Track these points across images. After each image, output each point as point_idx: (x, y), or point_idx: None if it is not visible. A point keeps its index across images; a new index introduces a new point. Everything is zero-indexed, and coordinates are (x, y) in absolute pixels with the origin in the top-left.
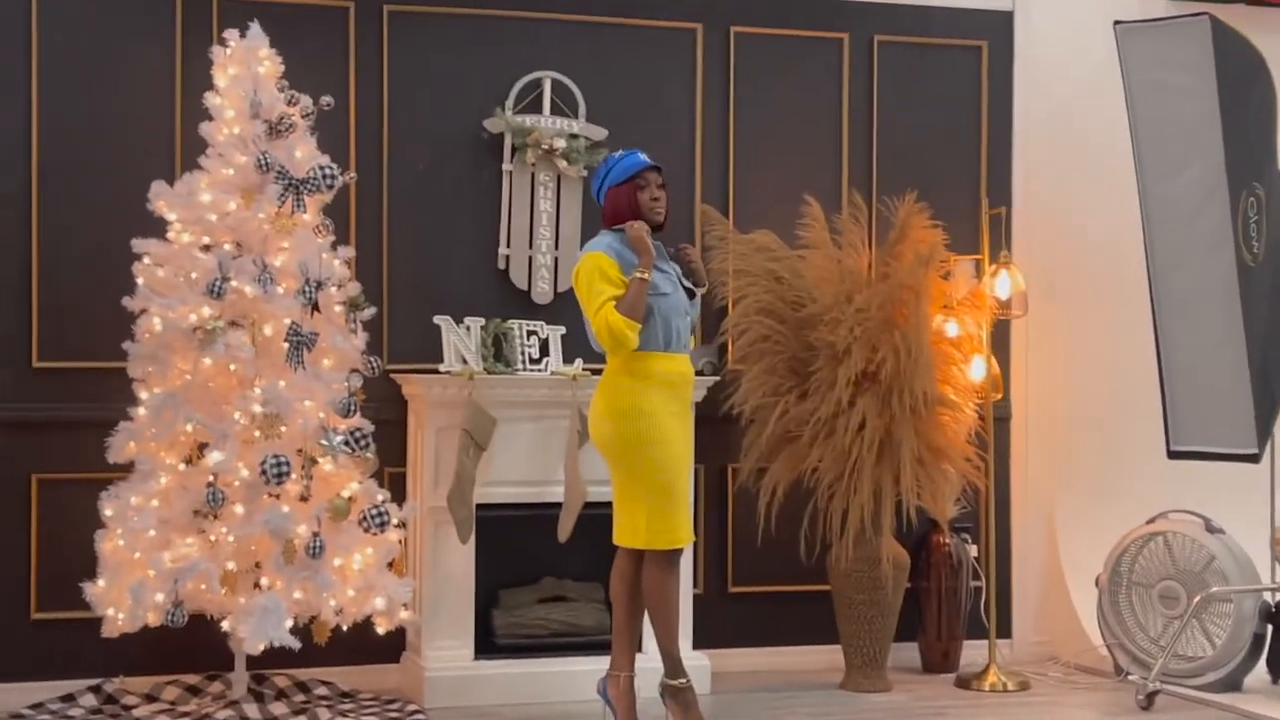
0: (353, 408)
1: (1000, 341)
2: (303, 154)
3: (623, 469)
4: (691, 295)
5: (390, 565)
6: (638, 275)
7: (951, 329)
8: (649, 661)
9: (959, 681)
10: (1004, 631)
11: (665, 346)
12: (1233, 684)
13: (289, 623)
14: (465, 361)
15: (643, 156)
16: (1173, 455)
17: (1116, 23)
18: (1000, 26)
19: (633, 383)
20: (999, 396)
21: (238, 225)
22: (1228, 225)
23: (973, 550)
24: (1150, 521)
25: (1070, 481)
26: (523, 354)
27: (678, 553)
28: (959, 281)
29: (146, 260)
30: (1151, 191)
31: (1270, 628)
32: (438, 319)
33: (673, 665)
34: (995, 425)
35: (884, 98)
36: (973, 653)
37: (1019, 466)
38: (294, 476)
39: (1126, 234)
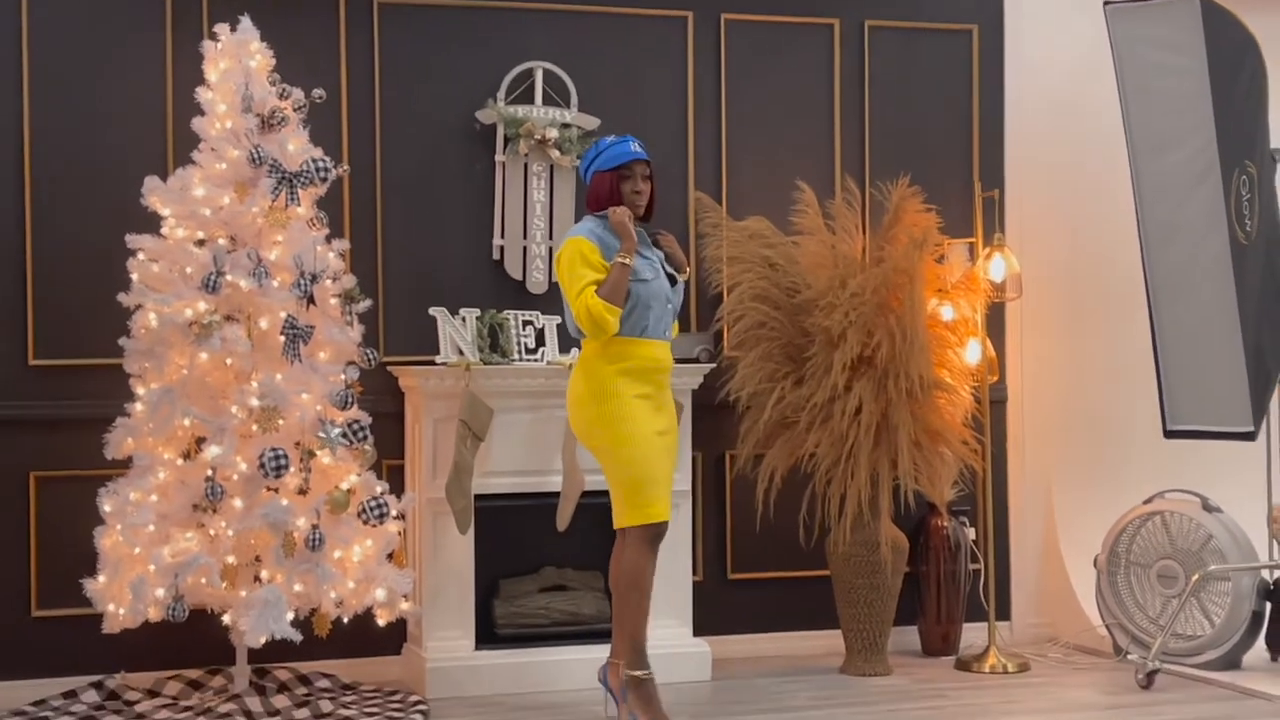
0: (350, 400)
1: (995, 324)
2: (295, 147)
3: (599, 451)
4: (673, 281)
5: (390, 557)
6: (619, 260)
7: (946, 312)
8: (658, 649)
9: (959, 664)
10: (1003, 614)
11: (643, 333)
12: (1232, 662)
13: (290, 615)
14: (461, 353)
15: (634, 147)
16: (1169, 435)
17: (1106, 3)
18: (991, 10)
19: (604, 366)
20: (995, 379)
21: (231, 219)
22: (1220, 204)
23: (971, 533)
24: (1147, 501)
25: (1067, 463)
26: (519, 344)
27: (656, 534)
28: (953, 265)
29: (141, 256)
30: (1143, 171)
31: (1268, 605)
32: (433, 310)
33: (637, 655)
34: (992, 408)
35: (876, 83)
36: (972, 635)
37: (1016, 449)
38: (292, 469)
39: (1120, 214)
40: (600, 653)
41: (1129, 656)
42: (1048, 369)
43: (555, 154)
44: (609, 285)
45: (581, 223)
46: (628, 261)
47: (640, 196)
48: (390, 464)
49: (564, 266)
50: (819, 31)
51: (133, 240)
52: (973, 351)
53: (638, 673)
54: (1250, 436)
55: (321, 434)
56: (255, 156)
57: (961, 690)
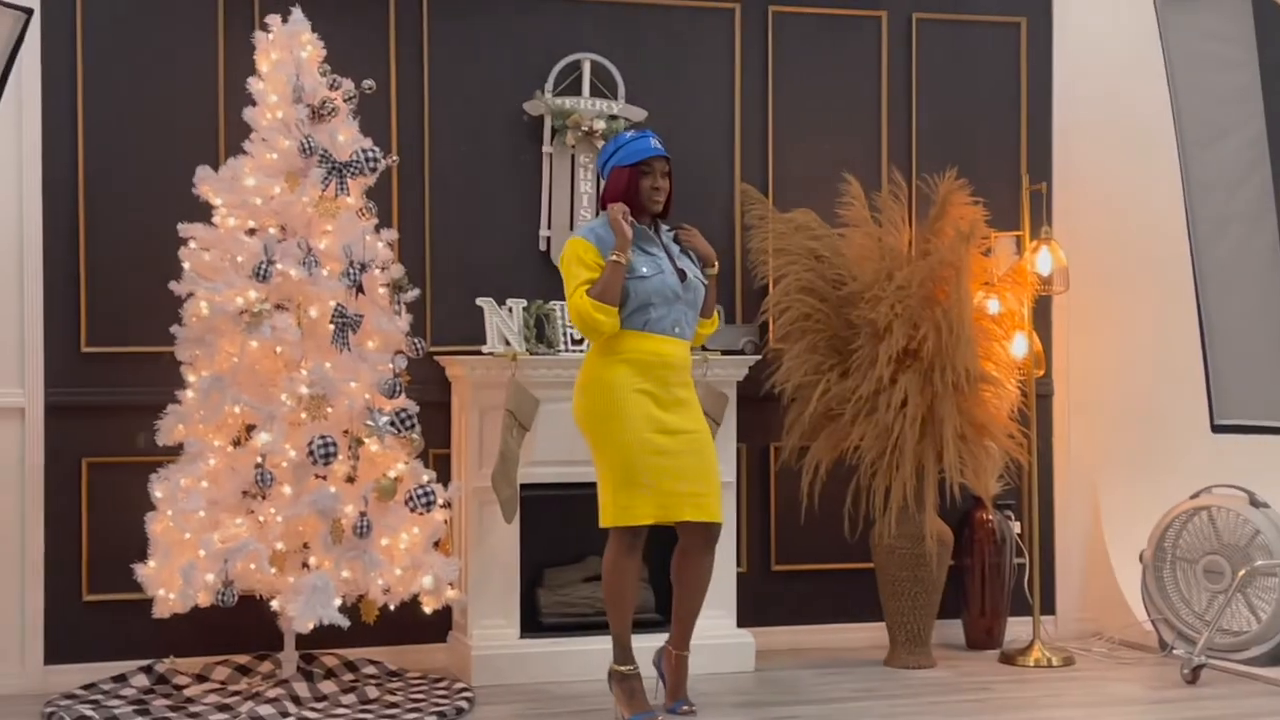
0: (398, 389)
1: (1042, 318)
2: (345, 137)
3: (590, 444)
4: (683, 277)
5: (436, 545)
6: (611, 258)
7: (993, 305)
8: (702, 640)
9: (1003, 658)
10: (1048, 608)
11: (643, 327)
12: (1277, 658)
13: (337, 602)
14: (508, 343)
15: (654, 143)
16: (1216, 429)
17: None
18: (1039, 2)
19: (601, 359)
20: (1041, 373)
21: (282, 209)
22: (1269, 196)
23: (1016, 526)
24: (1194, 496)
25: (1113, 457)
26: (565, 335)
27: (636, 536)
28: (1000, 258)
29: (192, 245)
30: (1192, 164)
31: None
32: (480, 301)
33: (620, 650)
34: (1038, 401)
35: (923, 75)
36: (1017, 629)
37: (1062, 442)
38: (341, 457)
39: (1168, 207)
40: (643, 642)
41: (1174, 651)
42: (1094, 363)
43: (602, 145)
44: (600, 284)
45: (587, 223)
46: (618, 259)
47: (659, 193)
48: (436, 453)
49: (563, 268)
50: (866, 24)
51: (184, 229)
52: (1019, 345)
53: (621, 668)
54: None
55: (370, 422)
56: (306, 147)
57: (1006, 684)
